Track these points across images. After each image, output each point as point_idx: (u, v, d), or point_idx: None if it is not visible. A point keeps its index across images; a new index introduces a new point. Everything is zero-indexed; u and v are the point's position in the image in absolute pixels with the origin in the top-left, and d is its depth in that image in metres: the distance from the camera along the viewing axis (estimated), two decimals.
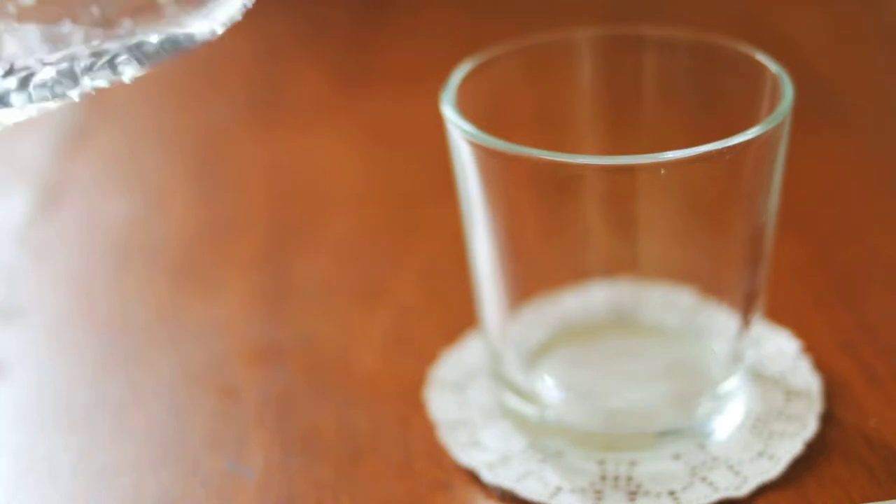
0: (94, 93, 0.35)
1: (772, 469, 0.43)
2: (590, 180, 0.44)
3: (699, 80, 0.46)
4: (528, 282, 0.47)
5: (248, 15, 0.39)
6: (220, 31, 0.38)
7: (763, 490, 0.42)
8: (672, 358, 0.47)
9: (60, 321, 0.54)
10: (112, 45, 0.35)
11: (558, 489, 0.43)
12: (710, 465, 0.43)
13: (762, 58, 0.44)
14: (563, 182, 0.44)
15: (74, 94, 0.35)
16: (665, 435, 0.44)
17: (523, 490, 0.43)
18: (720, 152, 0.40)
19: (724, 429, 0.45)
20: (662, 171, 0.40)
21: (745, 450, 0.44)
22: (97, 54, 0.35)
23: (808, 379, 0.47)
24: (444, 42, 0.74)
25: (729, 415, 0.45)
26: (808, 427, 0.45)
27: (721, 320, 0.46)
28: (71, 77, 0.34)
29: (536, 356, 0.47)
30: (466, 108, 0.42)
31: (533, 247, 0.47)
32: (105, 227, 0.61)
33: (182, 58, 0.37)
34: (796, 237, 0.54)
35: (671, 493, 0.42)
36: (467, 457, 0.44)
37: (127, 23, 0.38)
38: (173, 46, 0.36)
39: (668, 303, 0.48)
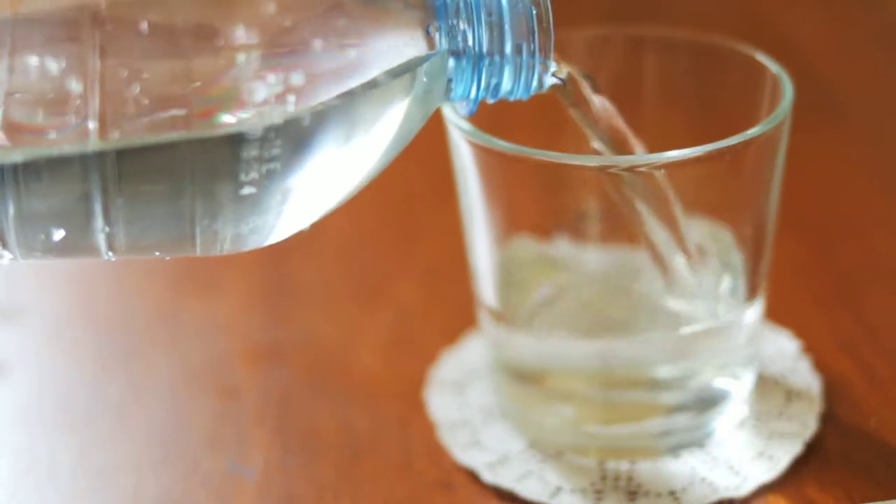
0: None
1: (772, 469, 0.43)
2: (589, 180, 0.44)
3: (699, 80, 0.46)
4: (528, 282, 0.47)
5: None
6: None
7: (763, 490, 0.42)
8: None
9: (60, 321, 0.54)
10: None
11: (558, 489, 0.43)
12: (710, 465, 0.43)
13: (762, 58, 0.44)
14: (563, 182, 0.44)
15: None
16: (665, 435, 0.44)
17: (523, 490, 0.43)
18: (720, 152, 0.40)
19: (724, 429, 0.45)
20: (662, 172, 0.40)
21: (745, 450, 0.44)
22: None
23: (808, 379, 0.47)
24: None
25: (729, 415, 0.45)
26: (808, 427, 0.45)
27: None
28: None
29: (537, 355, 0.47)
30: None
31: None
32: None
33: None
34: (796, 237, 0.54)
35: (671, 493, 0.42)
36: (467, 457, 0.44)
37: None
38: None
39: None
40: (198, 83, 0.34)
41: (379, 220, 0.59)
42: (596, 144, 0.41)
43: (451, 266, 0.52)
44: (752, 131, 0.40)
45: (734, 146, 0.40)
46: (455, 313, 0.51)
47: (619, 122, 0.41)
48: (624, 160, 0.41)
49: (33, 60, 0.33)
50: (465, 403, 0.47)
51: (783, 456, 0.43)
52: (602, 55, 0.46)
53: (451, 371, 0.48)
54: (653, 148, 0.41)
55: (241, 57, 0.34)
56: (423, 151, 0.47)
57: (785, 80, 0.42)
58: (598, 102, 0.40)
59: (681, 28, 0.47)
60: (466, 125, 0.41)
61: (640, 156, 0.40)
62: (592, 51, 0.46)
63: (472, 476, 0.44)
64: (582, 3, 0.75)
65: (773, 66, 0.43)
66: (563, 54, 0.39)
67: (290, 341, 0.51)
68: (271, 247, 0.57)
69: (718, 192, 0.43)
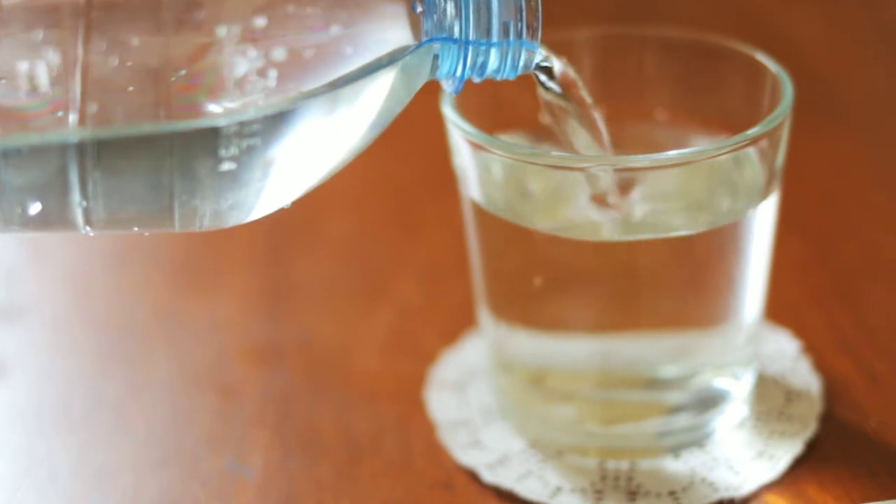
0: None
1: (772, 469, 0.43)
2: (589, 180, 0.44)
3: (699, 80, 0.46)
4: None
5: None
6: None
7: (763, 490, 0.42)
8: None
9: (60, 321, 0.54)
10: None
11: (558, 489, 0.43)
12: (710, 465, 0.43)
13: (762, 58, 0.44)
14: (562, 182, 0.44)
15: None
16: (665, 435, 0.44)
17: (523, 490, 0.43)
18: (720, 152, 0.40)
19: (724, 429, 0.45)
20: (663, 172, 0.40)
21: (745, 450, 0.44)
22: None
23: (808, 379, 0.47)
24: None
25: (729, 415, 0.45)
26: (808, 427, 0.45)
27: None
28: None
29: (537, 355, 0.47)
30: (466, 108, 0.42)
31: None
32: None
33: None
34: (796, 237, 0.54)
35: (671, 493, 0.42)
36: (467, 457, 0.44)
37: None
38: None
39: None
40: (179, 58, 0.33)
41: (379, 220, 0.59)
42: (552, 123, 0.41)
43: (451, 266, 0.52)
44: (752, 131, 0.40)
45: (734, 146, 0.40)
46: (455, 313, 0.51)
47: (592, 112, 0.41)
48: (623, 160, 0.41)
49: (15, 40, 0.33)
50: (465, 403, 0.47)
51: (783, 456, 0.43)
52: (602, 55, 0.46)
53: (451, 371, 0.48)
54: (653, 148, 0.41)
55: (222, 32, 0.33)
56: (424, 151, 0.47)
57: (785, 80, 0.42)
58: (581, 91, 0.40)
59: (681, 28, 0.47)
60: (467, 125, 0.41)
61: (640, 156, 0.40)
62: (592, 51, 0.46)
63: (472, 476, 0.44)
64: (582, 3, 0.75)
65: (773, 66, 0.43)
66: (565, 54, 0.39)
67: (289, 341, 0.51)
68: (271, 246, 0.57)
69: (718, 191, 0.43)
